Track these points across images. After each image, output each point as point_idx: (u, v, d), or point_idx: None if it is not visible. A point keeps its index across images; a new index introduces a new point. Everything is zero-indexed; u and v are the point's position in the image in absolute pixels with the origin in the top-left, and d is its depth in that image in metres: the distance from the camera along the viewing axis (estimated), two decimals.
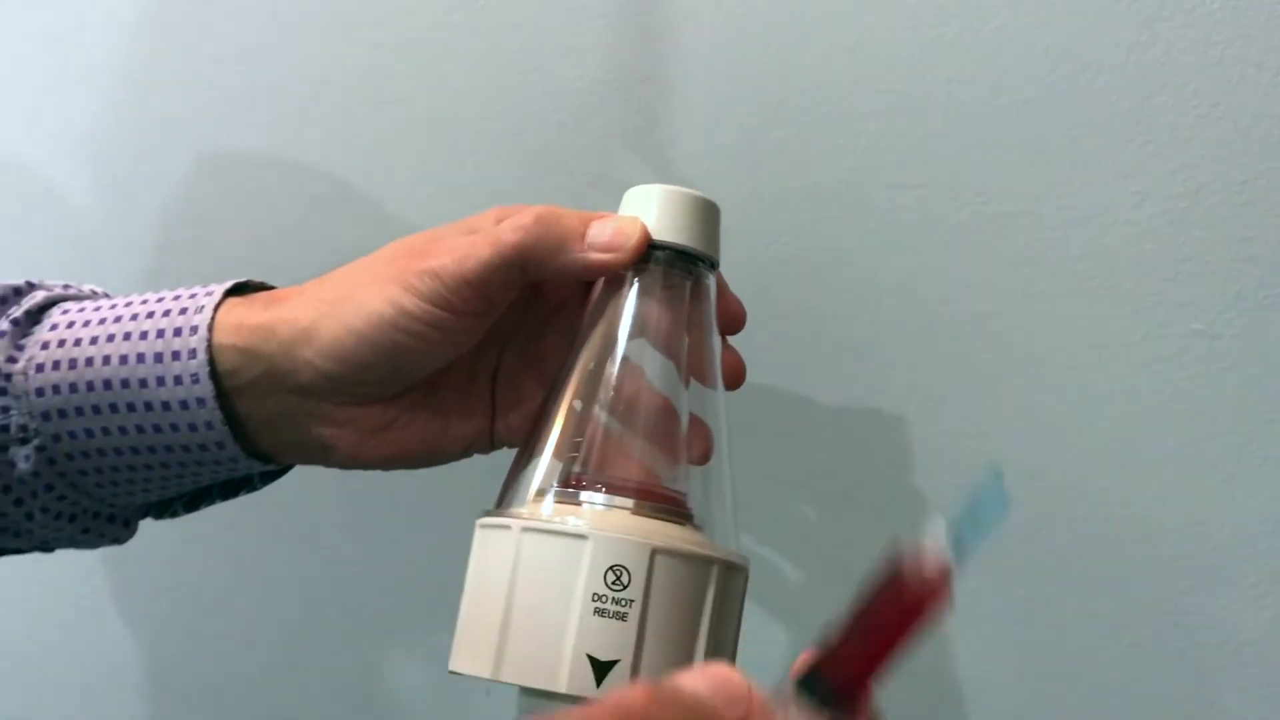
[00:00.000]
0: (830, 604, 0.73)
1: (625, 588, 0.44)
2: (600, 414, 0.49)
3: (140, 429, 0.53)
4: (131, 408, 0.52)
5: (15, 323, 0.54)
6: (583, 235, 0.50)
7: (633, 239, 0.50)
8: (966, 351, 0.72)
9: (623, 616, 0.44)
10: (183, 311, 0.53)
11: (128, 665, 0.90)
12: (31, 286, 0.57)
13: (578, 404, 0.50)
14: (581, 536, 0.44)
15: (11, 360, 0.53)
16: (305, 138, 0.81)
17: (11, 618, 0.91)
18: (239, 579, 0.87)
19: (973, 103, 0.70)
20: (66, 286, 0.58)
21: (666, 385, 0.51)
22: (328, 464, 0.55)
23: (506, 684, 0.44)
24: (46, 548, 0.59)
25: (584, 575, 0.44)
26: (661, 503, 0.48)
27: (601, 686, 0.43)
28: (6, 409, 0.53)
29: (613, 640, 0.43)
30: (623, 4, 0.75)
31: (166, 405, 0.52)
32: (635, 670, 0.43)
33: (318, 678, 0.86)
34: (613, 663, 0.43)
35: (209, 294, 0.53)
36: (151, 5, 0.83)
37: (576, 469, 0.48)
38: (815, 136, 0.73)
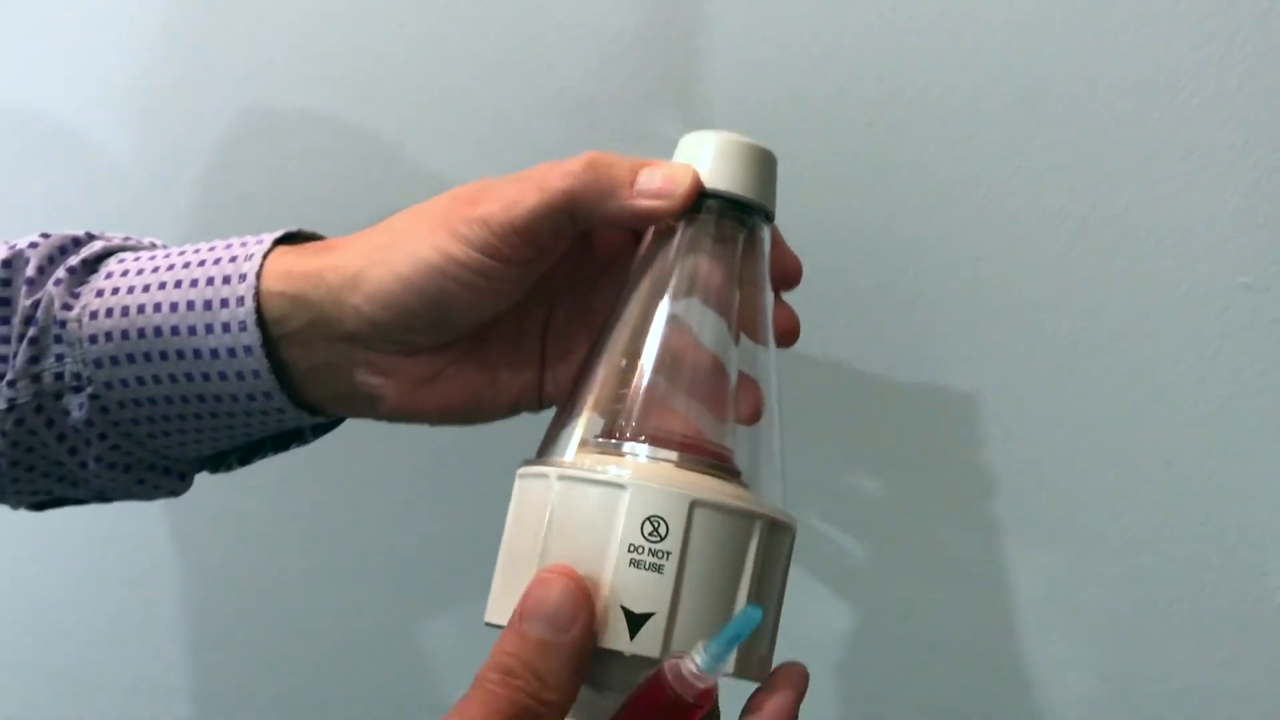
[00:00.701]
0: (888, 576, 0.74)
1: (663, 539, 0.43)
2: (646, 368, 0.48)
3: (189, 377, 0.53)
4: (180, 355, 0.53)
5: (71, 271, 0.55)
6: (632, 182, 0.49)
7: (683, 186, 0.49)
8: (1009, 307, 0.71)
9: (659, 569, 0.43)
10: (232, 260, 0.53)
11: (178, 621, 0.92)
12: (91, 237, 0.57)
13: (623, 358, 0.49)
14: (620, 485, 0.43)
15: (66, 308, 0.54)
16: (348, 96, 0.81)
17: (68, 570, 0.94)
18: (292, 535, 0.88)
19: (1016, 58, 0.69)
20: (126, 238, 0.58)
21: (715, 341, 0.50)
22: (375, 416, 0.55)
23: None
24: (104, 498, 0.59)
25: (620, 525, 0.43)
26: (707, 457, 0.47)
27: (635, 639, 0.43)
28: (61, 356, 0.54)
29: (648, 593, 0.43)
30: None
31: (215, 353, 0.52)
32: (671, 624, 0.43)
33: (366, 637, 0.87)
34: (647, 615, 0.43)
35: (259, 242, 0.54)
36: None
37: (620, 422, 0.48)
38: (858, 92, 0.72)
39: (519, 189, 0.49)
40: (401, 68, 0.80)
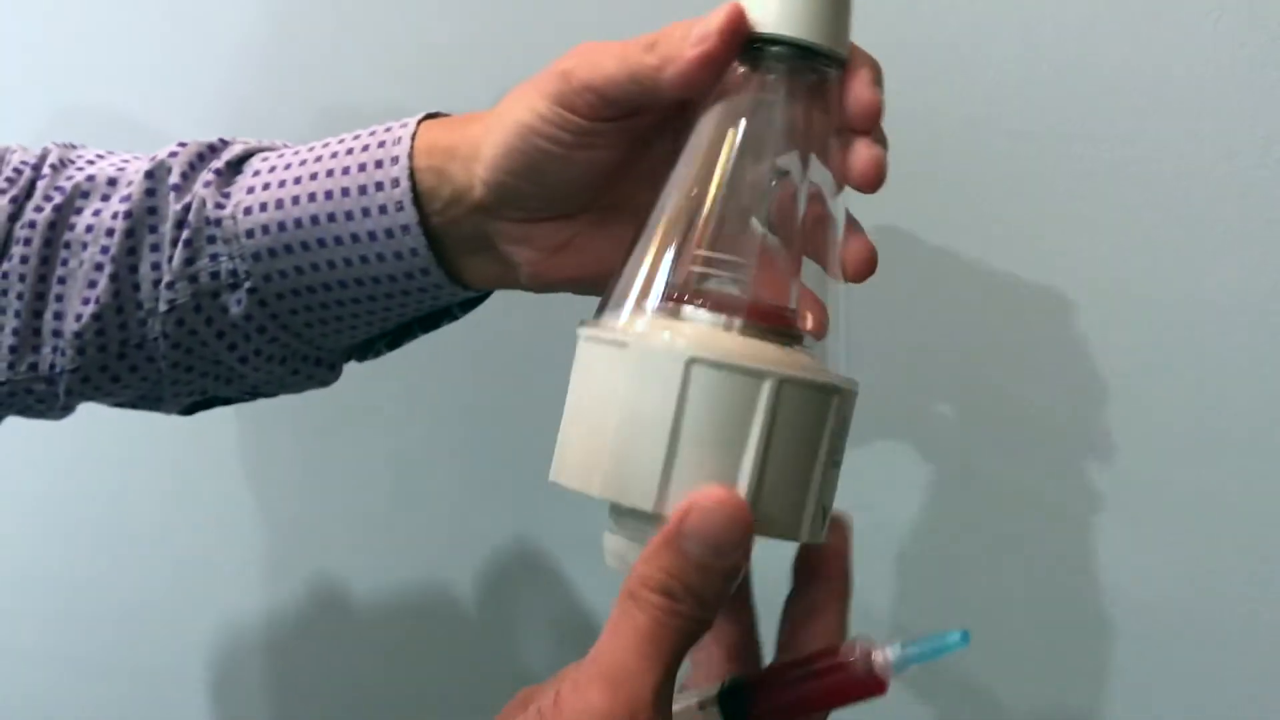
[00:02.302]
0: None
1: (844, 436, 0.43)
2: (739, 233, 0.46)
3: (348, 262, 0.54)
4: (339, 241, 0.54)
5: (218, 173, 0.56)
6: (686, 39, 0.46)
7: (715, 23, 0.45)
8: (1084, 302, 0.71)
9: (839, 464, 0.43)
10: (381, 145, 0.54)
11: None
12: (225, 142, 0.58)
13: (703, 221, 0.46)
14: (834, 389, 0.42)
15: (219, 206, 0.55)
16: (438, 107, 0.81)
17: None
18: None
19: (1093, 48, 0.69)
20: (260, 141, 0.59)
21: (783, 197, 0.47)
22: (517, 285, 0.56)
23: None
24: (257, 393, 0.62)
25: (829, 429, 0.42)
26: (793, 326, 0.45)
27: (824, 531, 0.44)
28: (215, 255, 0.55)
29: (832, 489, 0.43)
30: None
31: (372, 235, 0.53)
32: (830, 509, 0.44)
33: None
34: (828, 509, 0.44)
35: (403, 125, 0.54)
36: None
37: (718, 290, 0.45)
38: (935, 82, 0.71)
39: (607, 52, 0.48)
40: (481, 69, 0.80)
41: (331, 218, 0.54)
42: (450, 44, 0.81)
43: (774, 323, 0.44)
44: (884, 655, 0.41)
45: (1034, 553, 0.75)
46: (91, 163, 0.60)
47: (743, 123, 0.46)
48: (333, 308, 0.56)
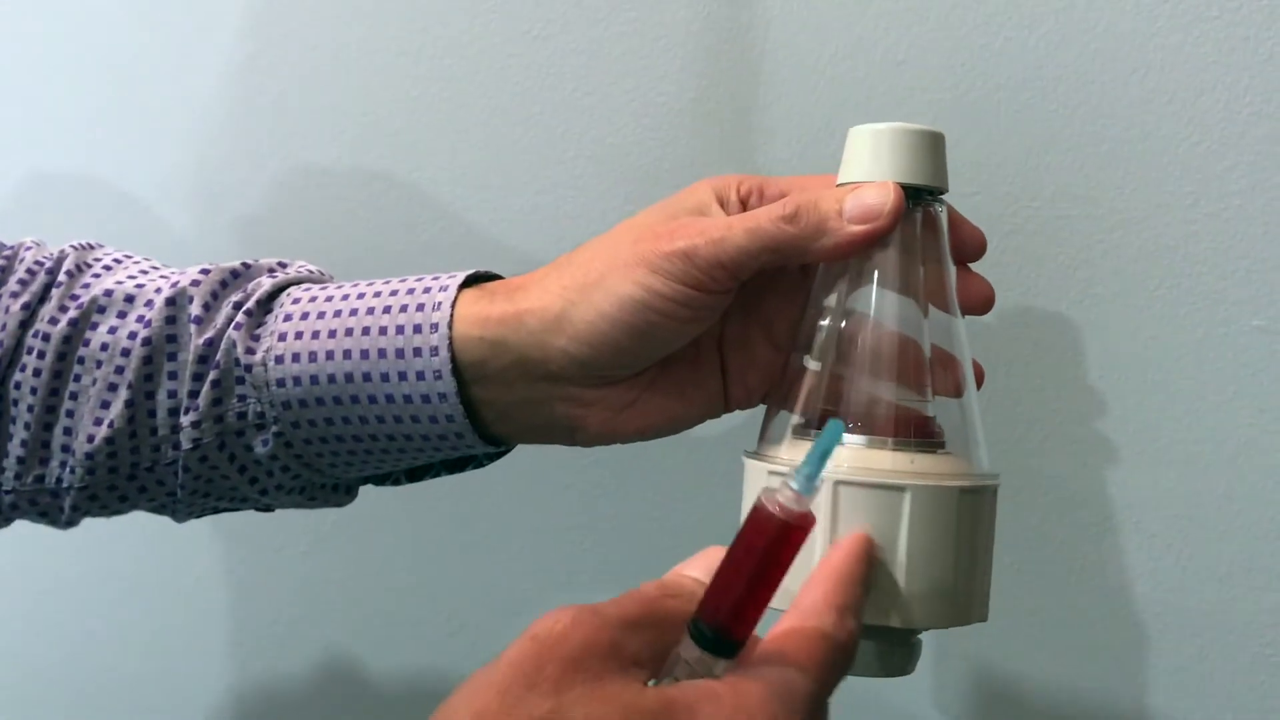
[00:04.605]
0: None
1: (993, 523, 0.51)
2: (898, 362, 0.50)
3: (380, 419, 0.54)
4: (372, 400, 0.54)
5: (248, 313, 0.56)
6: (839, 213, 0.49)
7: (889, 203, 0.49)
8: (1027, 355, 0.73)
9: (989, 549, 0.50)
10: (420, 308, 0.54)
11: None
12: (247, 267, 0.58)
13: (864, 354, 0.50)
14: (981, 489, 0.49)
15: (250, 352, 0.55)
16: (405, 163, 0.82)
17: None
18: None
19: (1020, 108, 0.72)
20: (283, 265, 0.59)
21: (918, 324, 0.51)
22: (573, 443, 0.57)
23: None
24: (268, 509, 0.62)
25: (985, 522, 0.49)
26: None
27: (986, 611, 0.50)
28: (244, 397, 0.55)
29: (986, 569, 0.50)
30: (722, 29, 0.76)
31: (408, 399, 0.54)
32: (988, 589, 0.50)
33: None
34: (987, 590, 0.50)
35: (443, 289, 0.55)
36: (246, 49, 0.85)
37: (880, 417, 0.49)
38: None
39: (724, 225, 0.51)
40: (454, 136, 0.81)
41: (366, 377, 0.54)
42: (418, 105, 0.82)
43: (921, 435, 0.49)
44: (788, 489, 0.39)
45: (1063, 556, 0.75)
46: (109, 268, 0.60)
47: (878, 257, 0.51)
48: (360, 454, 0.56)
